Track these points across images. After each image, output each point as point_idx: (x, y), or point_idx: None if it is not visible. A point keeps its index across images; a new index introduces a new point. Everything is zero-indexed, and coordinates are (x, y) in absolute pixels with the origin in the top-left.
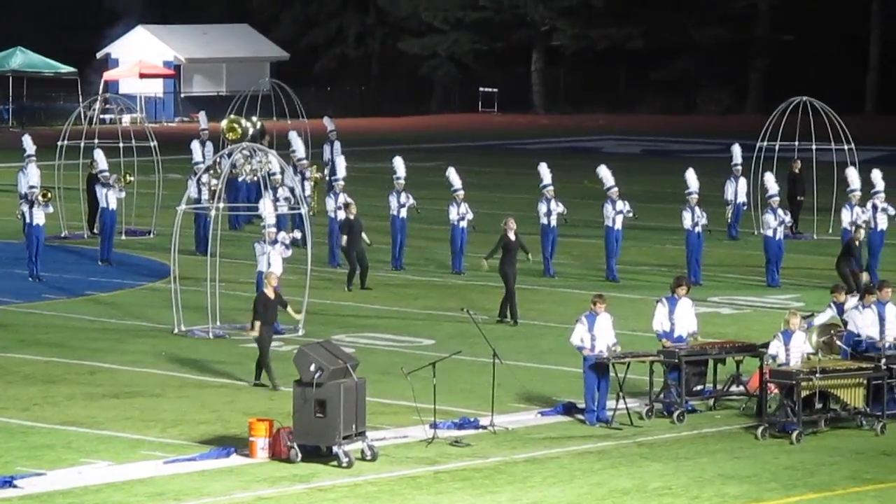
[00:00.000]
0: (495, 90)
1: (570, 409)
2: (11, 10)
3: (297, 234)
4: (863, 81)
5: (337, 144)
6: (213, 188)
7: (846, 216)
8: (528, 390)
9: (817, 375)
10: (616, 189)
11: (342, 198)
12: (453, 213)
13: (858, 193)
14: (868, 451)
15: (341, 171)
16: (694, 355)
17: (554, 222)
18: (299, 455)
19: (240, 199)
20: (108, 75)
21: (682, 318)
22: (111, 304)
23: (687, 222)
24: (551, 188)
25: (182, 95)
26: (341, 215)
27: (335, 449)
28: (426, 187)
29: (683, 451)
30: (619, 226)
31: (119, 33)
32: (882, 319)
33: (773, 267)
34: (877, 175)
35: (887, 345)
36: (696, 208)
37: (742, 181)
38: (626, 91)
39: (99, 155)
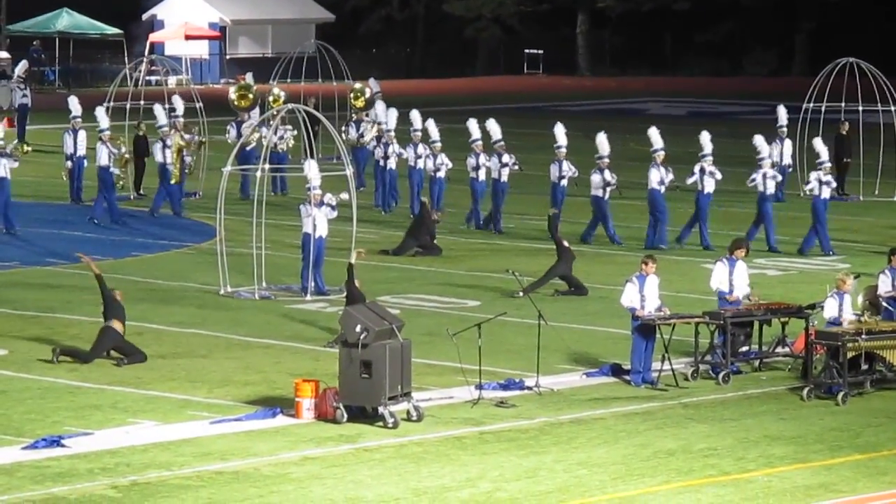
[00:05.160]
0: (540, 52)
1: (616, 370)
2: None
3: (345, 196)
4: None
5: (382, 105)
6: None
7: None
8: (574, 351)
9: (863, 337)
10: (503, 143)
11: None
12: (430, 164)
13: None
14: None
15: (392, 122)
16: (740, 317)
17: (482, 176)
18: (345, 415)
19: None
20: (154, 37)
21: (739, 280)
22: (157, 265)
23: (554, 175)
24: (479, 143)
25: (227, 57)
26: (391, 164)
27: (381, 409)
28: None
29: (729, 413)
30: (504, 178)
31: None
32: None
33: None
34: (705, 137)
35: None
36: (564, 162)
37: (787, 143)
38: (672, 53)
39: (158, 110)
